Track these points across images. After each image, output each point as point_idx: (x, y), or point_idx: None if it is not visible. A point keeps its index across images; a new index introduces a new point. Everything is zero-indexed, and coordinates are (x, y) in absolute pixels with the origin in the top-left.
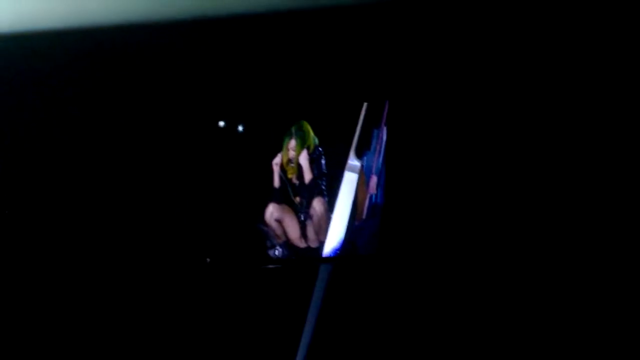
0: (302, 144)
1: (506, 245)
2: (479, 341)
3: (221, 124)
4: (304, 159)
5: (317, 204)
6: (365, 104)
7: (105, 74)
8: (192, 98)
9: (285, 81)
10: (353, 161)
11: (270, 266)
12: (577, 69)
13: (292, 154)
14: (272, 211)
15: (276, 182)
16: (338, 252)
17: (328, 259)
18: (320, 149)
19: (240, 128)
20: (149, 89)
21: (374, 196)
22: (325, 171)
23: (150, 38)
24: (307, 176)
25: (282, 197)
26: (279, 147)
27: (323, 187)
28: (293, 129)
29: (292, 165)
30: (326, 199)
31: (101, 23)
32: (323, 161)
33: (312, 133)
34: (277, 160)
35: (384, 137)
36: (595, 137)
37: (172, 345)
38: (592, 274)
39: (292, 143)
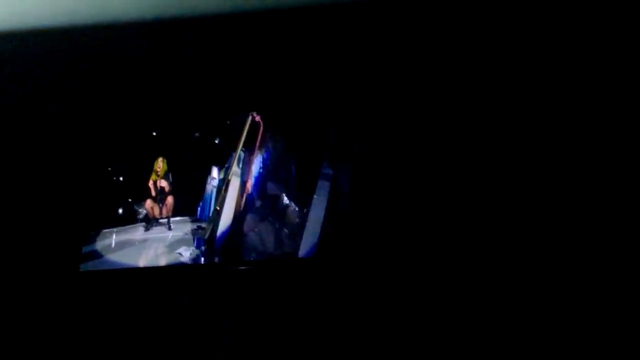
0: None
1: (459, 253)
2: (426, 344)
3: (197, 134)
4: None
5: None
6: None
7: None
8: (160, 104)
9: (257, 87)
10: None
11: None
12: (551, 77)
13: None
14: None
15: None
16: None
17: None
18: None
19: (216, 141)
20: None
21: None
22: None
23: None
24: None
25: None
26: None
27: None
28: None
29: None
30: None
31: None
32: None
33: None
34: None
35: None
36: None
37: (147, 346)
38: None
39: (160, 163)
